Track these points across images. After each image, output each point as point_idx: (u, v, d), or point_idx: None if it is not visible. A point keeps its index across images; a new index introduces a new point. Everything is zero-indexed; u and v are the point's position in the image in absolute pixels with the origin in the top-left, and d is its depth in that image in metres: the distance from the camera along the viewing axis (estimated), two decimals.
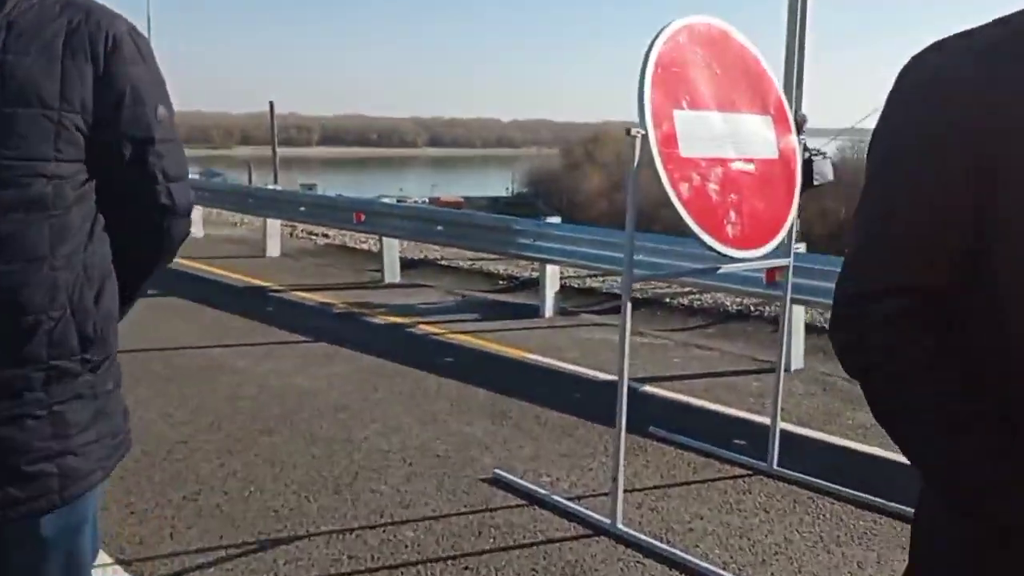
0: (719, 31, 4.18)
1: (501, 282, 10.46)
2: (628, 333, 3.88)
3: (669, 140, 3.77)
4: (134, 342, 7.06)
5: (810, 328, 7.24)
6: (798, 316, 6.73)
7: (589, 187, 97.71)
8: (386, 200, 10.06)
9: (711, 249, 3.91)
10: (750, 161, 4.14)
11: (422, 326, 7.88)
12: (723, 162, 4.00)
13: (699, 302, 8.91)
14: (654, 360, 6.85)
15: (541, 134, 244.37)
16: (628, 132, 3.65)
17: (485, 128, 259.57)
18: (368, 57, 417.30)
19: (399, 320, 8.11)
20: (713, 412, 5.65)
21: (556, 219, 8.29)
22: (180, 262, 11.17)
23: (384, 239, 9.89)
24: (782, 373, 4.69)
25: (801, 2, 6.10)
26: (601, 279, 9.67)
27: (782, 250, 4.40)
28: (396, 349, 7.00)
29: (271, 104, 27.48)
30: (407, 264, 10.97)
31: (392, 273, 10.05)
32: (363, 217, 9.91)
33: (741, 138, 4.12)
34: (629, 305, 3.85)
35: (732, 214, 4.01)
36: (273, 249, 11.97)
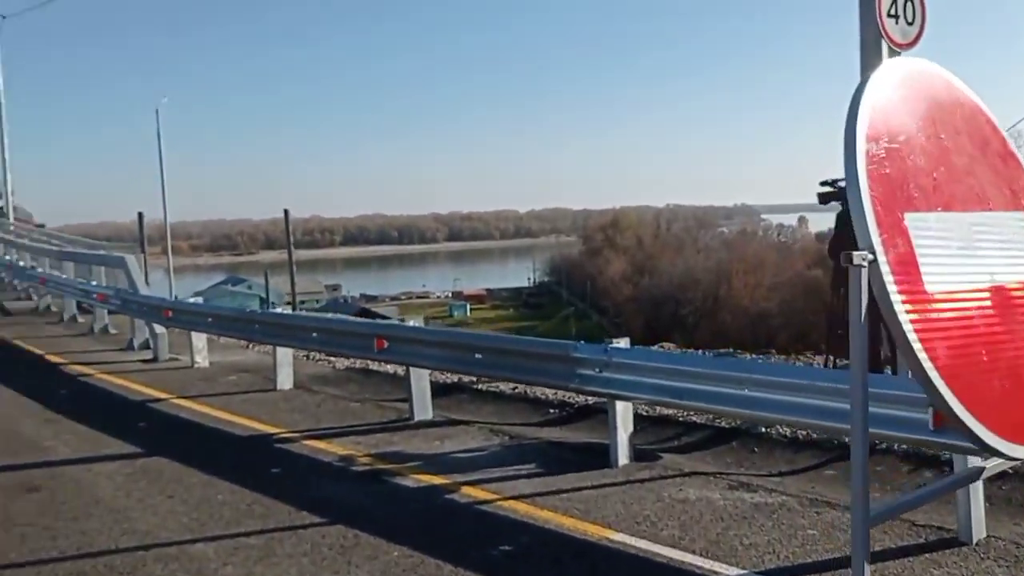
0: (941, 80, 2.62)
1: (552, 411, 8.79)
2: None
3: (907, 267, 2.17)
4: (100, 538, 5.43)
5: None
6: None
7: (612, 272, 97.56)
8: (413, 323, 8.42)
9: (983, 445, 2.28)
10: (1020, 288, 2.52)
11: (465, 489, 6.19)
12: (987, 296, 2.38)
13: (804, 431, 7.17)
14: (782, 534, 5.11)
15: (559, 223, 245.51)
16: (850, 261, 2.05)
17: (503, 220, 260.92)
18: (385, 157, 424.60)
19: (436, 480, 6.43)
20: None
21: (623, 342, 6.66)
22: (176, 403, 9.64)
23: (412, 368, 8.29)
24: None
25: None
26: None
27: None
28: (435, 532, 5.32)
29: (286, 212, 26.48)
30: (438, 390, 9.31)
31: (422, 408, 8.40)
32: (385, 344, 8.34)
33: (1002, 253, 2.51)
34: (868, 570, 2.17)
35: (1008, 383, 2.37)
36: (284, 380, 10.38)
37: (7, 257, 22.97)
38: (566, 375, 6.72)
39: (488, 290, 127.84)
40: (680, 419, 7.88)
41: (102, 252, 18.41)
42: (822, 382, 5.15)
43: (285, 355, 10.46)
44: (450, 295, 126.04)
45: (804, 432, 7.09)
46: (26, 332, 16.01)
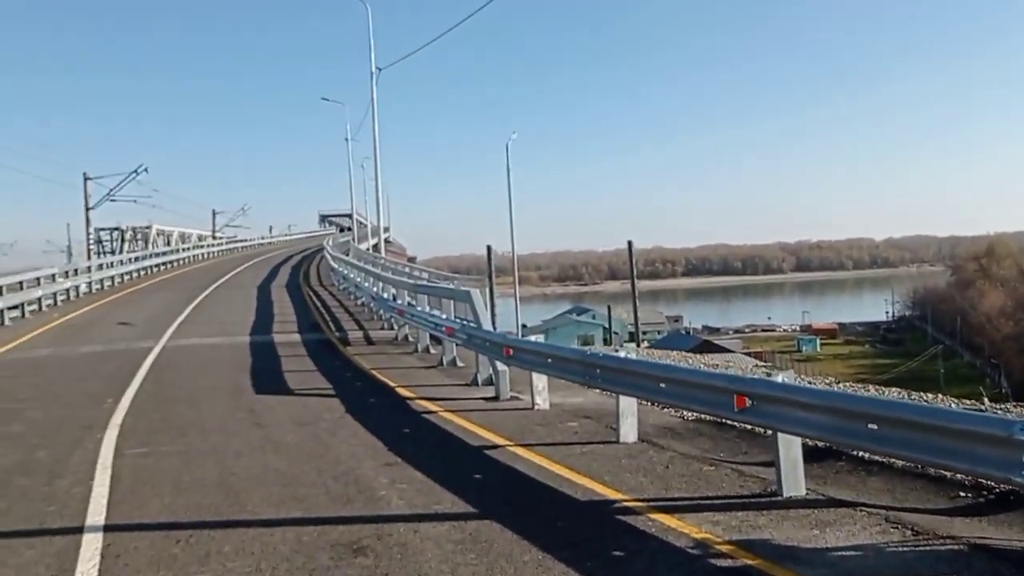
0: None
1: (964, 495, 6.89)
2: None
3: None
4: None
5: None
6: None
7: (987, 306, 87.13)
8: (782, 378, 6.96)
9: None
10: None
11: None
12: None
13: None
14: None
15: (921, 251, 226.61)
16: None
17: (856, 248, 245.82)
18: (728, 187, 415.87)
19: None
20: None
21: None
22: (513, 452, 8.94)
23: (780, 434, 6.84)
24: None
25: None
26: None
27: None
28: None
29: (629, 244, 25.87)
30: (807, 453, 7.71)
31: (792, 482, 6.91)
32: (748, 403, 6.97)
33: None
34: None
35: None
36: (628, 432, 9.35)
37: (374, 289, 24.60)
38: (1006, 463, 4.93)
39: (840, 324, 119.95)
40: None
41: (451, 286, 18.82)
42: None
43: (629, 403, 9.43)
44: (798, 328, 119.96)
45: None
46: (383, 362, 16.59)
